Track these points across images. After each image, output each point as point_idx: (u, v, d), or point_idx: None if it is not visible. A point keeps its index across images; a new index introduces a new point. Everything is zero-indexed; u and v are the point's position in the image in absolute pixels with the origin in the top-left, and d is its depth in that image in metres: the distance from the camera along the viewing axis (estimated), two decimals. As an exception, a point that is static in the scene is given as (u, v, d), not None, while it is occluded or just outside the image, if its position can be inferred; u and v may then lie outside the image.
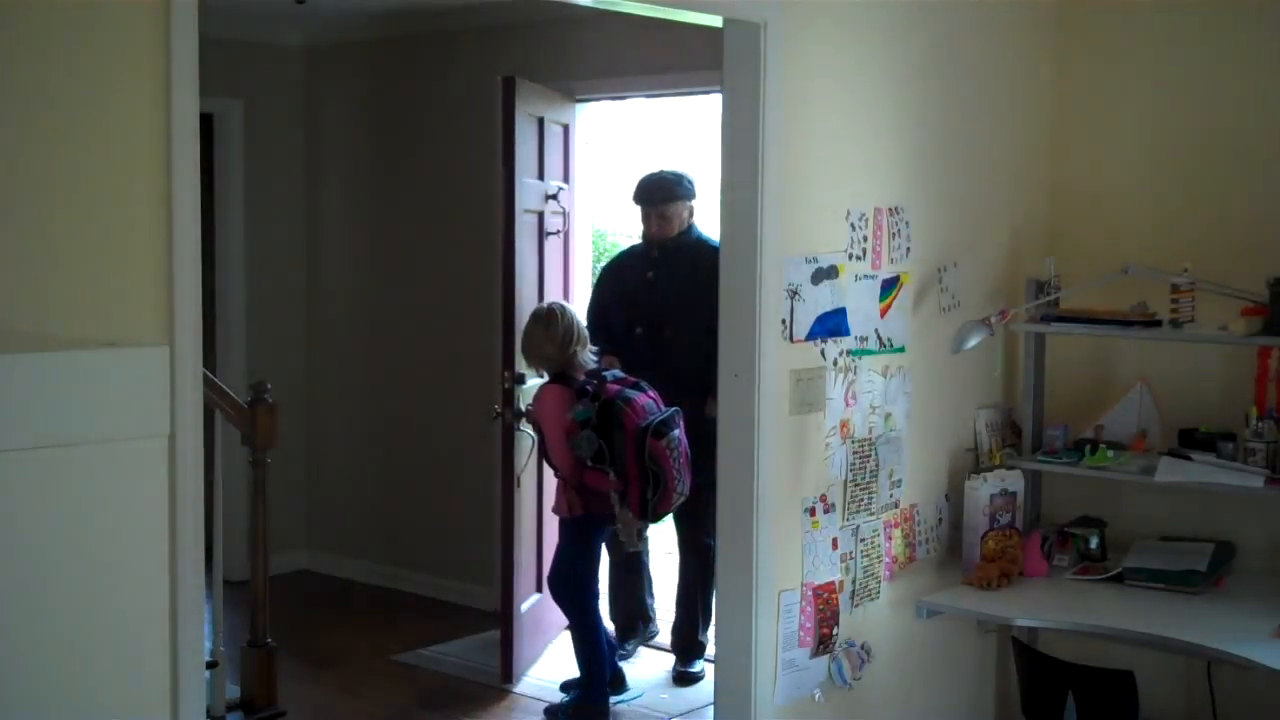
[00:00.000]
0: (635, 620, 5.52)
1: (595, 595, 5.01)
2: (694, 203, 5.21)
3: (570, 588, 4.97)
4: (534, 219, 5.38)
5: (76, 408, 1.96)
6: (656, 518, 4.80)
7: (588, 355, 4.86)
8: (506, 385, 5.13)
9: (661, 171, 5.26)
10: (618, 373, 4.84)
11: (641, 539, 4.82)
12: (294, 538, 6.75)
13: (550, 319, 4.83)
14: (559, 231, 5.54)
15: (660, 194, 5.17)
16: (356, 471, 6.74)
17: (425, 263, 6.42)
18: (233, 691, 4.67)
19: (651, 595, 5.59)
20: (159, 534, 2.11)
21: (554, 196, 5.46)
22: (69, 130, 2.41)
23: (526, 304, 5.20)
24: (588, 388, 4.70)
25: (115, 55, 2.47)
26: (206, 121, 6.25)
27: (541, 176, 5.41)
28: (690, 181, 5.21)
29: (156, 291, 2.53)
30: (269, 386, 4.65)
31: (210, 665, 4.34)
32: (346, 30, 6.53)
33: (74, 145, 2.42)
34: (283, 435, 4.75)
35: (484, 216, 6.11)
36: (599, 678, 4.94)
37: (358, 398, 6.72)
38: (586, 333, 4.89)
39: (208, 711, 4.27)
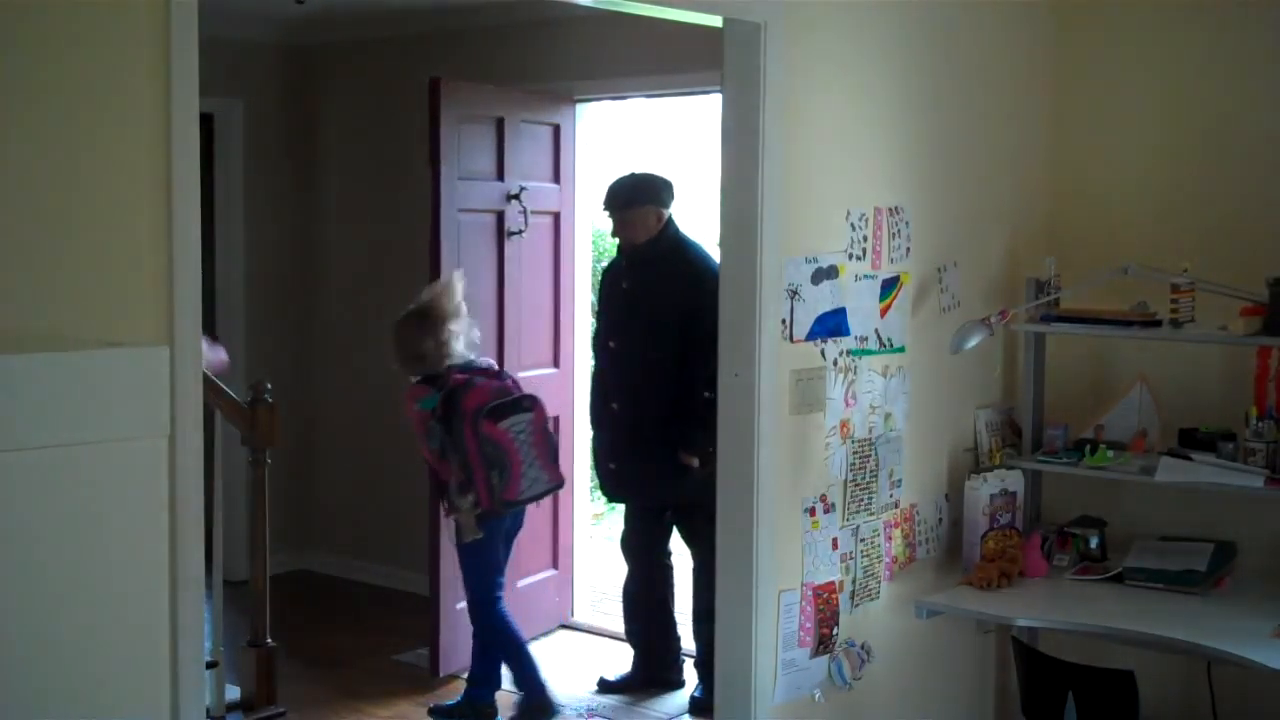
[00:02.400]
0: (653, 655, 5.25)
1: (497, 598, 4.85)
2: (664, 209, 4.96)
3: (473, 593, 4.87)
4: (488, 219, 5.42)
5: (76, 408, 1.95)
6: (506, 505, 4.61)
7: (459, 348, 4.72)
8: None
9: (631, 175, 5.08)
10: (482, 362, 4.79)
11: (479, 529, 4.67)
12: (294, 538, 6.74)
13: (424, 316, 4.74)
14: (521, 231, 5.53)
15: (617, 200, 5.00)
16: (356, 471, 6.74)
17: (425, 263, 6.40)
18: (233, 691, 4.67)
19: (676, 637, 5.27)
20: (159, 534, 2.11)
21: (516, 196, 5.46)
22: (69, 130, 2.41)
23: (480, 303, 5.23)
24: (438, 380, 4.66)
25: (115, 55, 2.47)
26: (206, 121, 6.25)
27: (501, 177, 5.43)
28: (659, 185, 4.98)
29: (156, 291, 2.53)
30: (269, 386, 4.65)
31: (210, 665, 4.34)
32: (346, 30, 6.53)
33: (74, 145, 2.42)
34: (282, 435, 4.75)
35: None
36: (485, 675, 4.86)
37: (357, 397, 6.71)
38: (454, 328, 4.72)
39: (208, 711, 4.27)
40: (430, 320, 4.71)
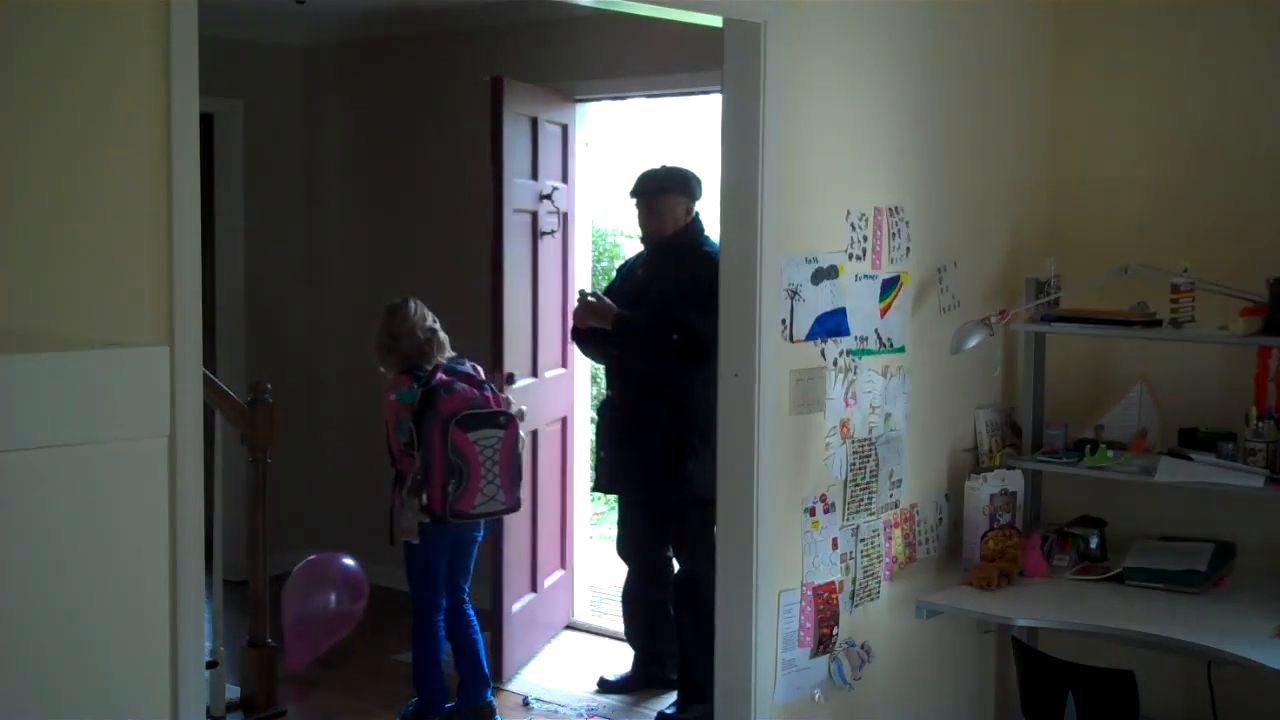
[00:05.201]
0: (653, 656, 5.25)
1: (434, 605, 4.84)
2: (694, 203, 4.94)
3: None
4: (527, 219, 5.39)
5: (76, 408, 1.95)
6: (456, 516, 4.58)
7: (439, 353, 4.76)
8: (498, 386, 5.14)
9: (663, 166, 5.05)
10: (467, 366, 4.78)
11: (418, 533, 4.67)
12: (294, 538, 6.73)
13: (395, 310, 4.78)
14: (554, 231, 5.53)
15: (648, 185, 4.96)
16: (356, 471, 6.74)
17: (425, 262, 6.42)
18: (233, 691, 4.67)
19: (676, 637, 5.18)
20: (159, 534, 2.11)
21: (548, 196, 5.45)
22: (69, 130, 2.41)
23: (518, 304, 5.21)
24: (420, 374, 4.67)
25: (115, 55, 2.47)
26: (206, 121, 6.25)
27: (535, 176, 5.42)
28: (692, 180, 4.95)
29: (156, 291, 2.53)
30: (269, 386, 4.65)
31: (210, 665, 4.34)
32: (346, 30, 6.53)
33: (74, 145, 2.42)
34: (283, 435, 4.75)
35: (484, 217, 6.10)
36: (424, 692, 4.85)
37: (358, 397, 6.71)
38: (436, 332, 4.78)
39: (208, 711, 4.27)
40: (399, 314, 4.77)
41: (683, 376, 4.68)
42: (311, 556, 5.19)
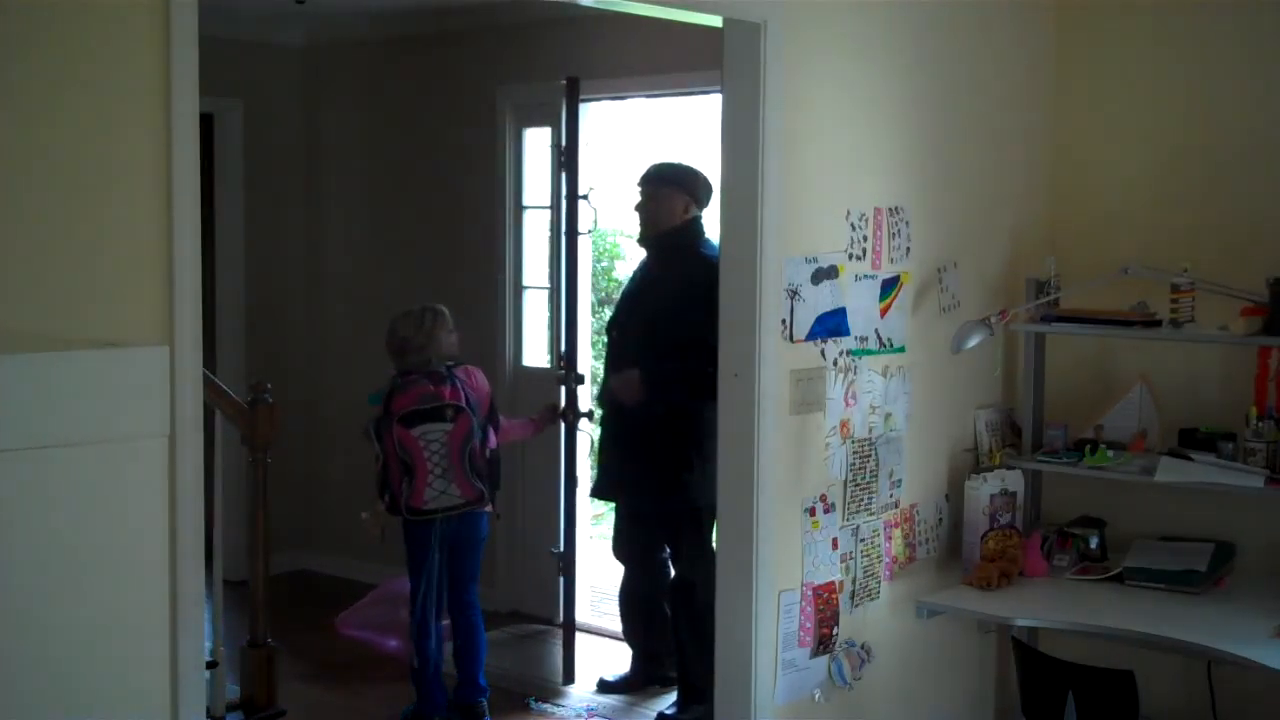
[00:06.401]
0: (651, 655, 5.25)
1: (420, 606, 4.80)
2: (695, 205, 4.88)
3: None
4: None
5: (76, 408, 1.96)
6: (410, 512, 4.61)
7: (419, 359, 4.73)
8: (569, 386, 5.12)
9: (677, 161, 5.02)
10: (443, 368, 4.73)
11: (413, 531, 4.69)
12: (294, 538, 6.74)
13: (406, 321, 4.81)
14: (590, 230, 5.54)
15: (652, 172, 4.95)
16: (356, 471, 6.73)
17: (426, 262, 6.42)
18: (233, 691, 4.67)
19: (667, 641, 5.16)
20: (159, 534, 2.11)
21: (584, 196, 5.45)
22: (69, 130, 2.41)
23: (577, 305, 5.25)
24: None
25: (115, 55, 2.47)
26: (206, 121, 6.25)
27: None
28: (699, 181, 4.89)
29: (156, 291, 2.53)
30: (269, 386, 4.65)
31: (210, 665, 4.34)
32: (346, 30, 6.53)
33: (74, 145, 2.42)
34: (283, 435, 4.75)
35: (486, 215, 6.12)
36: (421, 691, 4.83)
37: (358, 397, 6.69)
38: (408, 341, 4.75)
39: (208, 711, 4.26)
40: (419, 319, 4.79)
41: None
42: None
